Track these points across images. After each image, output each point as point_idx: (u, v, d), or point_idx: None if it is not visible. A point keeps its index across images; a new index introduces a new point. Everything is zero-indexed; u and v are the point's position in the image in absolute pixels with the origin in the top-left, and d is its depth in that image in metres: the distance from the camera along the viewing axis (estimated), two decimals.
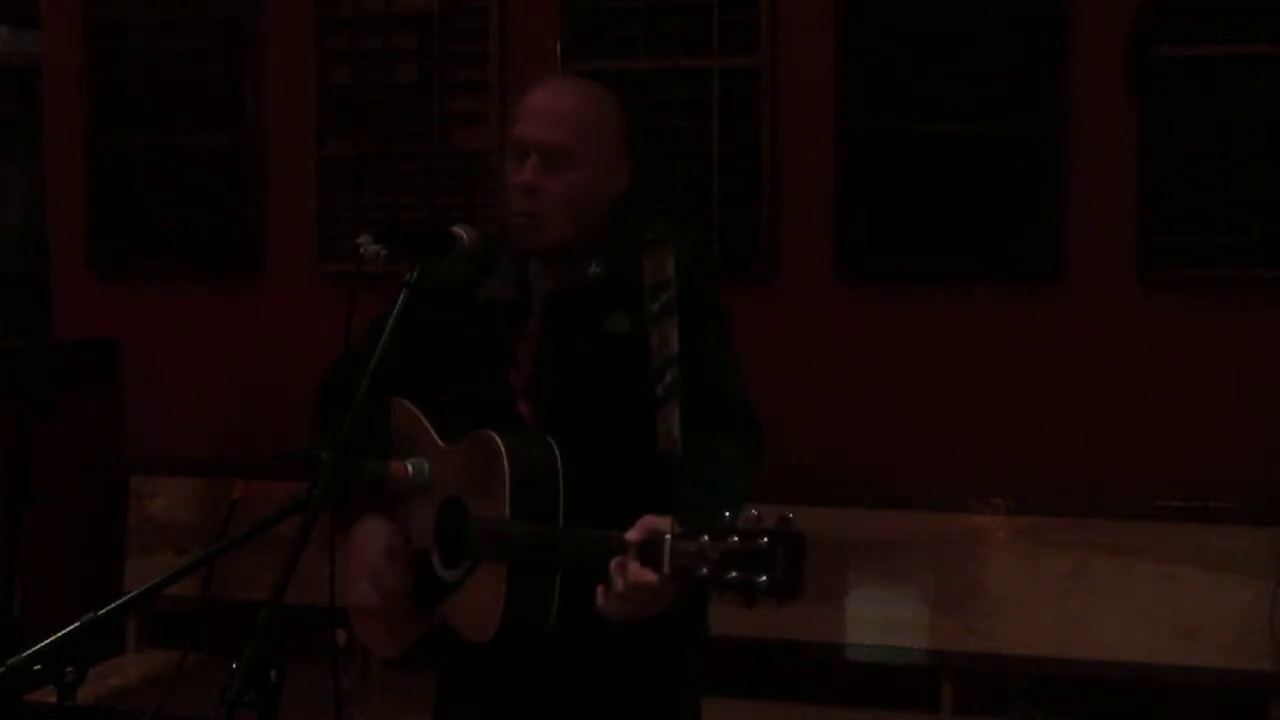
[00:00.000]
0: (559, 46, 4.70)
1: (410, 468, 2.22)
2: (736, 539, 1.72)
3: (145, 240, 5.18)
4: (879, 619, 4.32)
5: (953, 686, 4.25)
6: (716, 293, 2.34)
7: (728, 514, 1.76)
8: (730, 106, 4.59)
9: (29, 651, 1.77)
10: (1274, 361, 4.20)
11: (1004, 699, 4.27)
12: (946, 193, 4.41)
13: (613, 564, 1.95)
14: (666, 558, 1.84)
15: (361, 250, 2.17)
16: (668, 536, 1.84)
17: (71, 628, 1.79)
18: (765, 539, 1.70)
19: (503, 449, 2.16)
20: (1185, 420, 4.27)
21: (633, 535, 1.94)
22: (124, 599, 1.91)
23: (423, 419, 2.36)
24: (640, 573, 1.90)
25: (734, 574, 1.71)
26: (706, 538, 1.76)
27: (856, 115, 4.48)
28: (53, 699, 1.77)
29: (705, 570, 1.75)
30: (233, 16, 5.05)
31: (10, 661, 1.76)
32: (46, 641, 1.78)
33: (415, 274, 2.15)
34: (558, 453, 2.19)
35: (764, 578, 1.69)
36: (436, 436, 2.32)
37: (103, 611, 1.84)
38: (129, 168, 5.18)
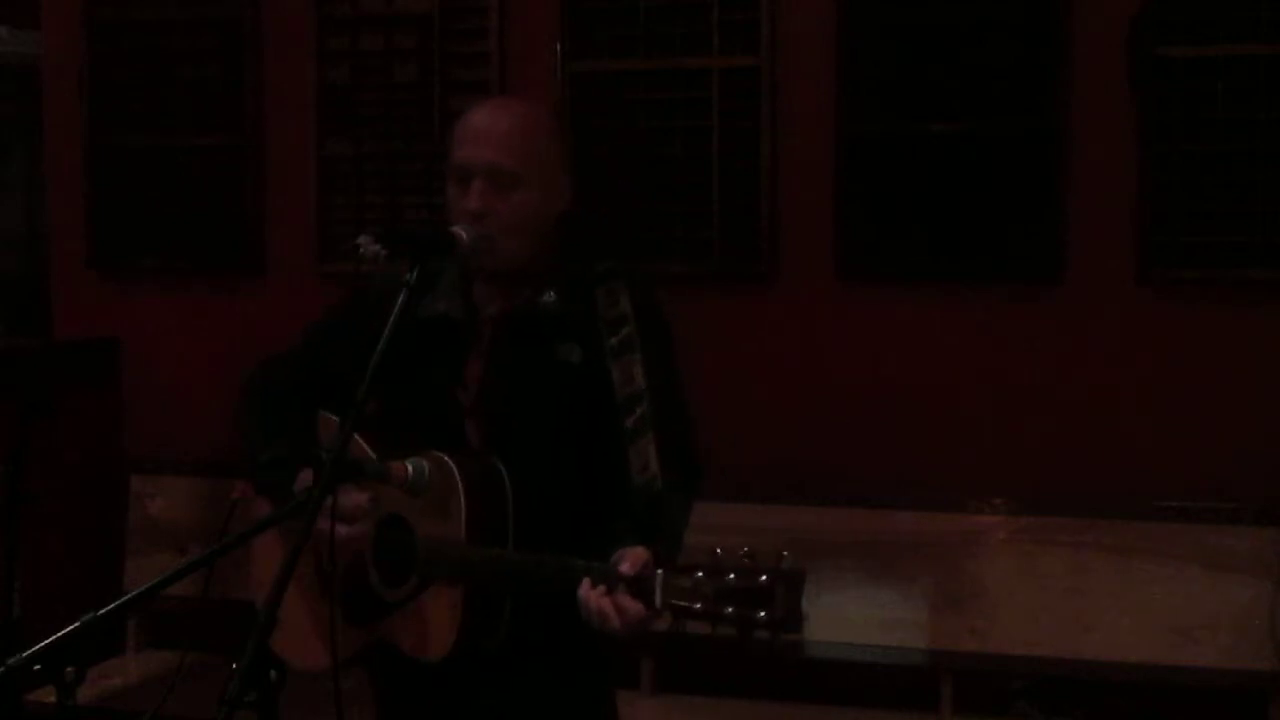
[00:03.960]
0: (559, 46, 4.70)
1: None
2: (734, 576, 1.73)
3: (145, 240, 5.18)
4: (879, 619, 4.32)
5: (953, 686, 4.25)
6: (669, 330, 2.36)
7: (718, 550, 1.77)
8: (730, 106, 4.59)
9: (29, 651, 1.77)
10: (1274, 362, 4.20)
11: (1004, 699, 4.27)
12: (946, 193, 4.41)
13: (598, 596, 1.97)
14: (659, 593, 1.85)
15: (361, 250, 2.16)
16: (660, 572, 1.86)
17: (71, 628, 1.79)
18: (765, 576, 1.72)
19: (456, 472, 2.17)
20: (1185, 420, 4.27)
21: (625, 569, 1.95)
22: (124, 599, 1.90)
23: (358, 438, 2.33)
24: (633, 606, 1.92)
25: (730, 610, 1.72)
26: (701, 574, 1.77)
27: (856, 115, 4.48)
28: (53, 699, 1.76)
29: (699, 606, 1.76)
30: (233, 16, 5.05)
31: (10, 661, 1.76)
32: (46, 641, 1.78)
33: (415, 274, 2.14)
34: (506, 476, 2.21)
35: (763, 613, 1.70)
36: (371, 452, 2.30)
37: (103, 611, 1.83)
38: (129, 168, 5.17)
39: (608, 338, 2.25)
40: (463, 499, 2.15)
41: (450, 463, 2.18)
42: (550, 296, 2.30)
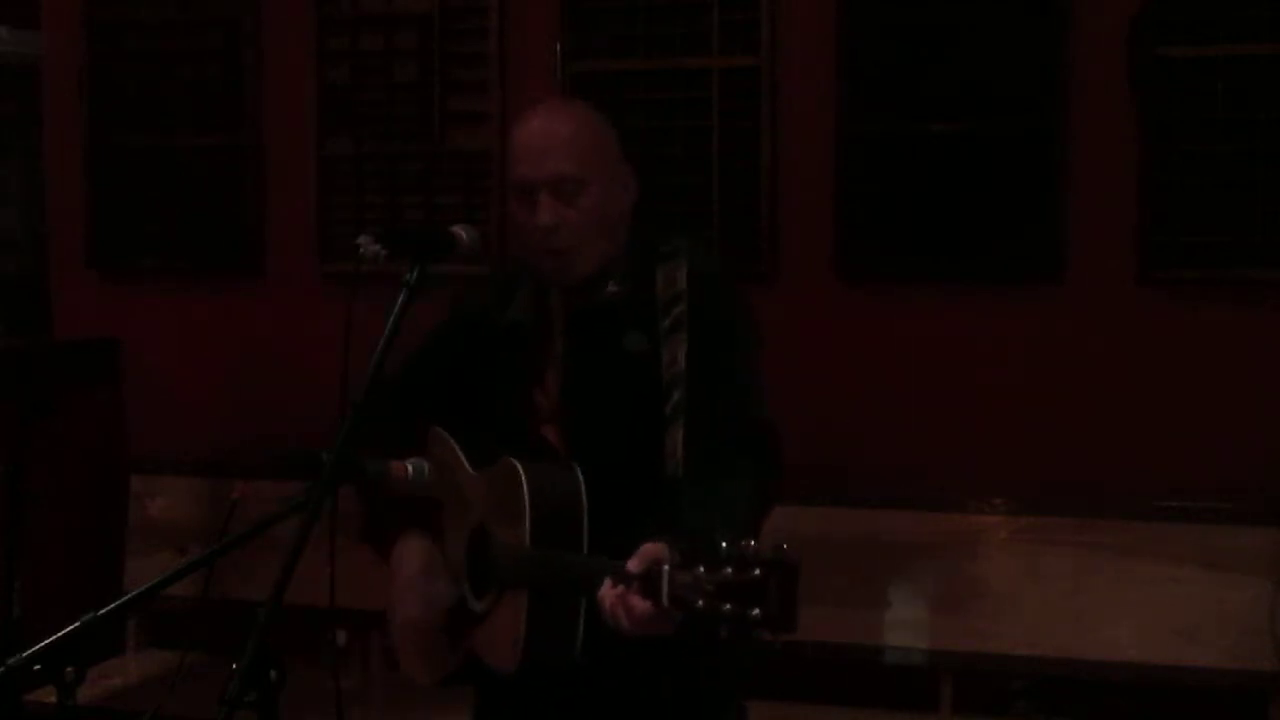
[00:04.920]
0: (559, 46, 4.70)
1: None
2: (730, 570, 1.70)
3: (145, 240, 5.18)
4: (879, 619, 4.32)
5: (953, 686, 4.25)
6: (734, 305, 2.28)
7: (724, 543, 1.74)
8: (730, 106, 4.59)
9: (29, 651, 1.77)
10: (1274, 362, 4.20)
11: (1004, 699, 4.27)
12: (946, 193, 4.41)
13: (614, 596, 1.94)
14: (665, 588, 1.82)
15: (361, 250, 2.15)
16: (666, 567, 1.82)
17: (71, 628, 1.79)
18: (758, 570, 1.68)
19: (523, 476, 2.13)
20: (1185, 420, 4.27)
21: (634, 566, 1.91)
22: (124, 599, 1.90)
23: (455, 447, 2.34)
24: (641, 604, 1.89)
25: (728, 606, 1.69)
26: (703, 568, 1.74)
27: (856, 115, 4.48)
28: (53, 699, 1.76)
29: (702, 602, 1.73)
30: (233, 16, 5.05)
31: (10, 661, 1.76)
32: (46, 641, 1.78)
33: (415, 274, 2.14)
34: (581, 479, 2.15)
35: (756, 611, 1.67)
36: (467, 464, 2.30)
37: (103, 611, 1.83)
38: (129, 168, 5.18)
39: (662, 319, 2.20)
40: (527, 504, 2.12)
41: (519, 469, 2.14)
42: (613, 287, 2.26)
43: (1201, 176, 4.24)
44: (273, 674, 1.78)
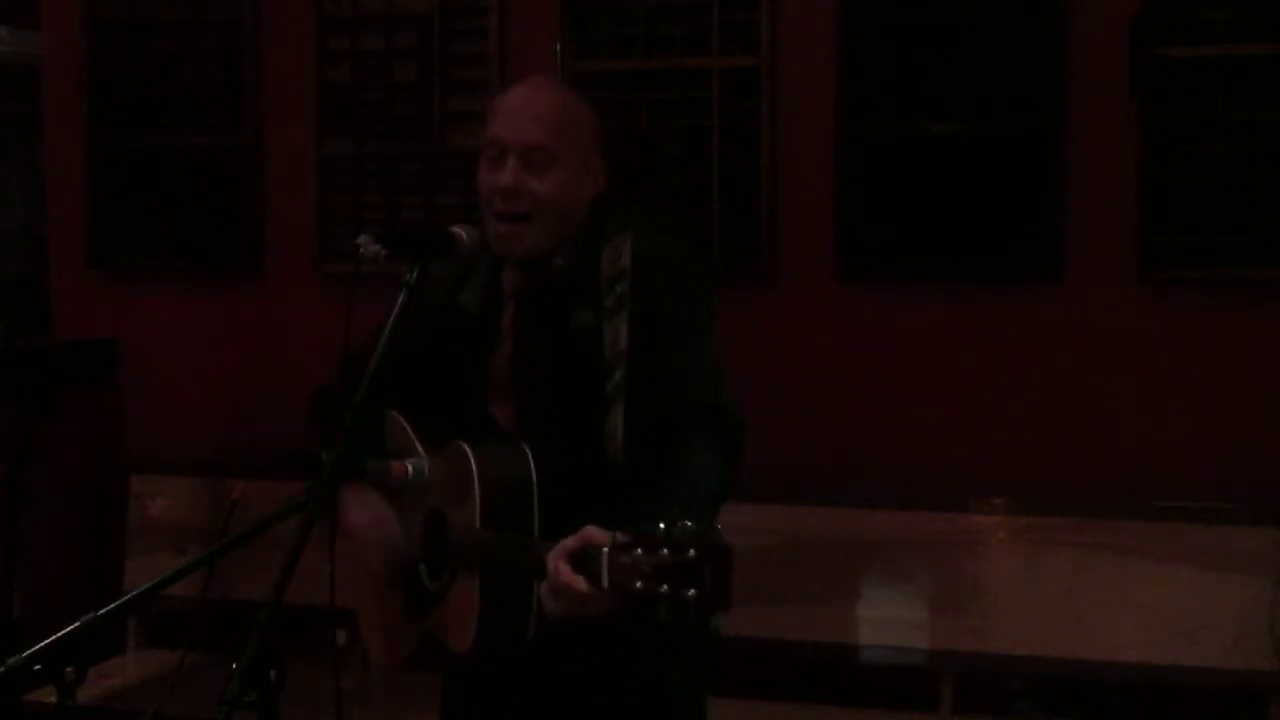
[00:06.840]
0: (559, 46, 4.70)
1: (411, 468, 2.22)
2: (667, 551, 1.70)
3: (145, 240, 5.18)
4: (879, 619, 4.32)
5: (953, 686, 4.25)
6: (680, 283, 2.22)
7: (661, 525, 1.73)
8: (730, 106, 4.59)
9: (29, 651, 1.77)
10: (1274, 362, 4.21)
11: (1004, 699, 4.27)
12: (947, 193, 4.42)
13: (548, 562, 1.92)
14: (605, 571, 1.81)
15: (361, 250, 2.15)
16: (605, 550, 1.80)
17: (71, 628, 1.79)
18: (693, 552, 1.69)
19: (472, 459, 2.13)
20: (1186, 420, 4.27)
21: (570, 542, 1.89)
22: (124, 599, 1.90)
23: (409, 430, 2.34)
24: (571, 578, 1.87)
25: (665, 588, 1.69)
26: (640, 550, 1.73)
27: (856, 115, 4.48)
28: (53, 699, 1.76)
29: (640, 584, 1.72)
30: (233, 17, 5.06)
31: (10, 661, 1.76)
32: (46, 641, 1.78)
33: (415, 274, 2.14)
34: (531, 460, 2.13)
35: (692, 591, 1.67)
36: (420, 447, 2.30)
37: (103, 611, 1.83)
38: (129, 168, 5.18)
39: (605, 297, 2.16)
40: (477, 488, 2.12)
41: (468, 452, 2.14)
42: (559, 262, 2.24)
43: (1201, 176, 4.24)
44: (273, 674, 1.78)
